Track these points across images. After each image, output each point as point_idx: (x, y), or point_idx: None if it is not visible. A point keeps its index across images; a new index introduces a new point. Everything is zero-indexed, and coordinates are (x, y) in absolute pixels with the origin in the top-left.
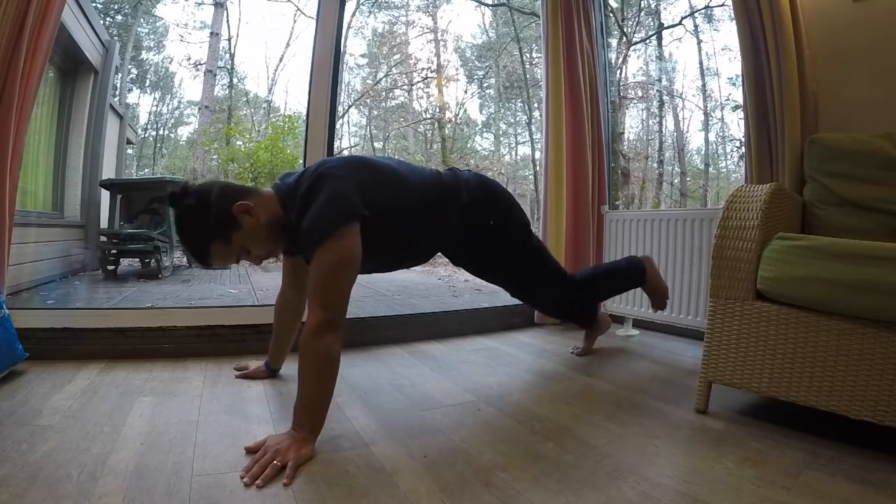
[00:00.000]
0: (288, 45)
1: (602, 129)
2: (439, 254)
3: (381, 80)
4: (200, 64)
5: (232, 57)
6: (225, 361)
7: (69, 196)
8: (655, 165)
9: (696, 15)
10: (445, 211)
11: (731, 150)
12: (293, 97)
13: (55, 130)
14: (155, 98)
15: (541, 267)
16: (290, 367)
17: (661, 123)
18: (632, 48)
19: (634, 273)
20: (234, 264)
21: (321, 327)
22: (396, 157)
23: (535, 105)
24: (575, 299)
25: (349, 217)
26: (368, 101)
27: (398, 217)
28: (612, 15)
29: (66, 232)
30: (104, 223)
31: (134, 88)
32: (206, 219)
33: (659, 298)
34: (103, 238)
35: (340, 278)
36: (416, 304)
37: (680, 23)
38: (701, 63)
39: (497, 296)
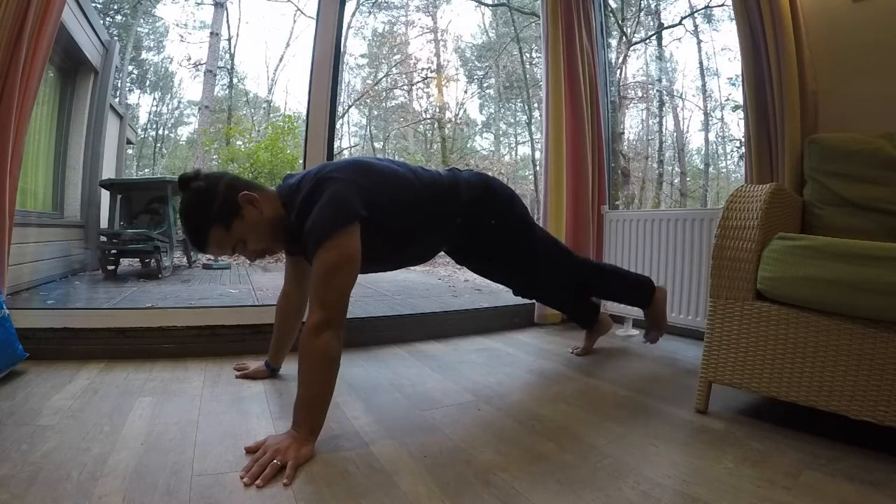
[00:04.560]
0: (288, 45)
1: (602, 129)
2: (440, 253)
3: (381, 80)
4: (200, 64)
5: (232, 57)
6: (225, 361)
7: (69, 196)
8: (655, 165)
9: (695, 15)
10: (445, 210)
11: (731, 150)
12: (293, 97)
13: (55, 130)
14: (155, 98)
15: (546, 260)
16: (289, 367)
17: (661, 123)
18: (632, 48)
19: (644, 288)
20: (229, 255)
21: (320, 326)
22: (396, 157)
23: (535, 105)
24: (579, 282)
25: (349, 218)
26: (368, 101)
27: (397, 217)
28: (612, 15)
29: (66, 232)
30: (104, 223)
31: (134, 88)
32: (211, 203)
33: (655, 330)
34: (103, 238)
35: (340, 278)
36: (416, 304)
37: (680, 23)
38: (701, 63)
39: (497, 296)
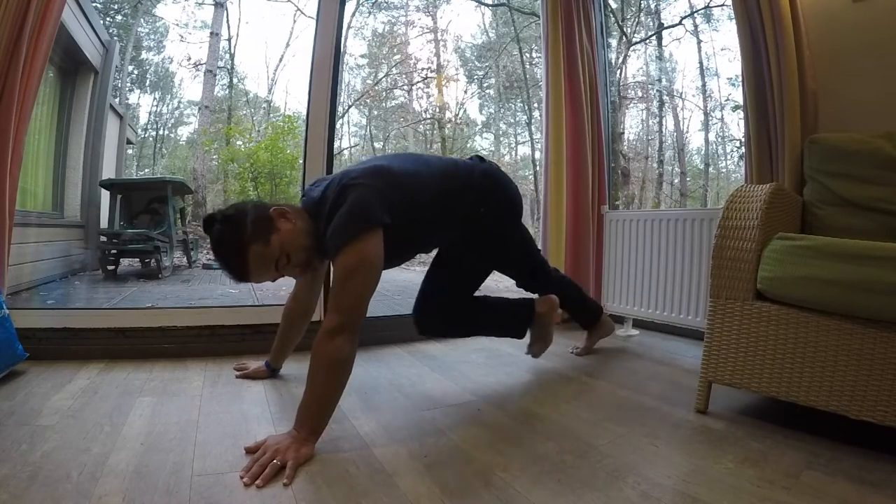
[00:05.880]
0: (288, 45)
1: (602, 129)
2: None
3: (381, 80)
4: (200, 64)
5: (232, 57)
6: (225, 361)
7: (69, 196)
8: (655, 165)
9: (695, 15)
10: (461, 198)
11: (731, 150)
12: (293, 97)
13: (55, 130)
14: (155, 98)
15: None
16: (290, 368)
17: (661, 123)
18: (632, 48)
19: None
20: (272, 278)
21: (335, 330)
22: None
23: (535, 105)
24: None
25: (372, 224)
26: (368, 101)
27: (416, 216)
28: (612, 15)
29: (66, 232)
30: (104, 223)
31: (134, 88)
32: (243, 222)
33: (540, 346)
34: (103, 238)
35: (359, 283)
36: None
37: (680, 23)
38: (701, 63)
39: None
